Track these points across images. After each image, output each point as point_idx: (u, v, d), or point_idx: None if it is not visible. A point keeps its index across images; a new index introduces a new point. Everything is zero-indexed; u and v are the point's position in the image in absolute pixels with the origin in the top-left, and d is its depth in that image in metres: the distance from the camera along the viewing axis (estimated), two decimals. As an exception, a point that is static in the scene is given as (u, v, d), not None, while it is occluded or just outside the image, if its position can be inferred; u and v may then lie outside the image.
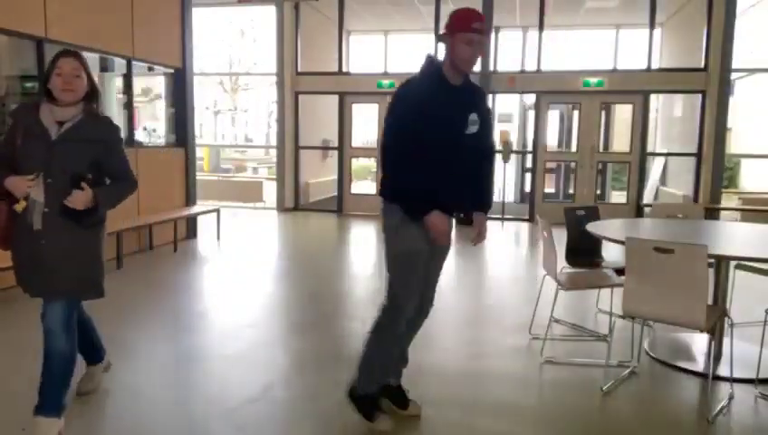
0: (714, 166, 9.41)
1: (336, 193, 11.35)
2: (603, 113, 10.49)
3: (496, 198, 12.21)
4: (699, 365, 3.64)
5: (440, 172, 2.59)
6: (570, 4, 11.06)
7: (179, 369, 3.52)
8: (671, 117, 12.34)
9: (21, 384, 3.23)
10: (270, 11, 11.10)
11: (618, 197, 12.38)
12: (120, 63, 6.87)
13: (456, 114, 2.60)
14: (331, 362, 3.62)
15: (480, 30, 2.53)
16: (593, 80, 9.91)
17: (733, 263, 3.78)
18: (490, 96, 10.56)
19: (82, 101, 2.60)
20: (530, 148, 11.07)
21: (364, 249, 7.79)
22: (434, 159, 2.57)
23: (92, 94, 2.64)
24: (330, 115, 11.39)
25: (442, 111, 2.55)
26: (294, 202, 11.35)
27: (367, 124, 11.63)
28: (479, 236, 2.86)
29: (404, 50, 14.07)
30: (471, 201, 2.91)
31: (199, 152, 15.39)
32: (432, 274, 2.85)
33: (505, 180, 10.45)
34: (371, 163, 11.30)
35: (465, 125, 2.62)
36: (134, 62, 6.88)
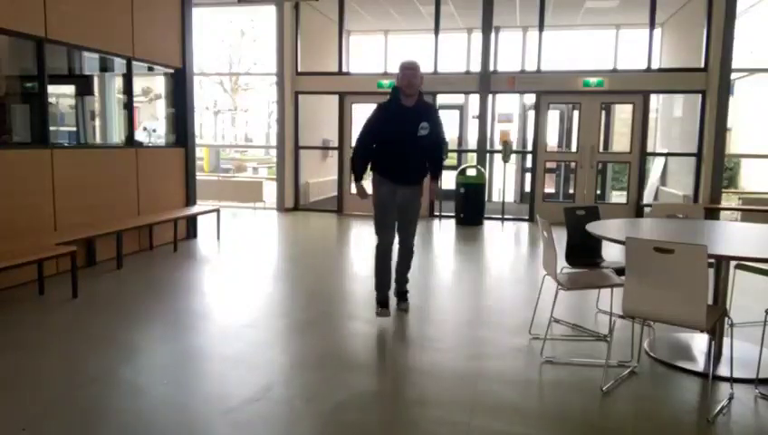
0: (714, 166, 9.42)
1: (336, 193, 11.35)
2: (603, 113, 10.49)
3: (496, 197, 12.29)
4: (699, 365, 3.64)
5: (398, 159, 4.35)
6: (570, 4, 11.05)
7: (179, 369, 3.52)
8: (671, 117, 12.33)
9: (21, 384, 3.23)
10: (270, 11, 11.10)
11: (618, 197, 12.40)
12: (119, 63, 6.87)
13: (407, 124, 4.28)
14: (331, 362, 3.62)
15: (410, 67, 4.26)
16: (593, 80, 9.91)
17: (733, 263, 3.78)
18: (490, 96, 10.60)
19: None
20: (530, 148, 11.07)
21: (364, 249, 7.78)
22: (392, 151, 4.34)
23: None
24: (330, 115, 11.39)
25: (395, 124, 4.30)
26: (294, 202, 11.36)
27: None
28: (432, 193, 4.68)
29: (404, 50, 14.07)
30: (431, 172, 4.59)
31: (199, 152, 15.41)
32: (404, 220, 4.46)
33: (505, 180, 10.46)
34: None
35: (416, 130, 4.27)
36: (134, 62, 6.87)
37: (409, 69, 4.22)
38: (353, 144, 4.45)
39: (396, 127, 4.25)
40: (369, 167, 4.43)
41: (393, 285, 4.61)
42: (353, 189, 4.84)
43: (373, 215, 4.42)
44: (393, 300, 4.64)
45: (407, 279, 4.72)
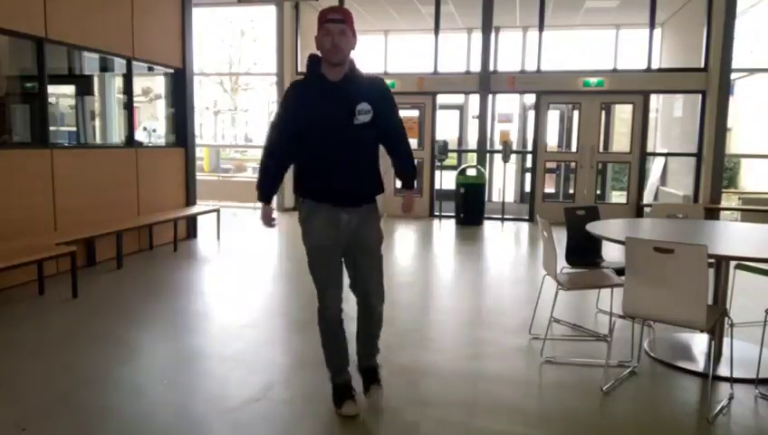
0: (714, 166, 9.42)
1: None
2: (603, 113, 10.49)
3: (496, 197, 12.27)
4: (699, 365, 3.64)
5: (326, 163, 2.74)
6: (570, 4, 11.05)
7: (179, 369, 3.52)
8: (671, 117, 12.33)
9: (21, 384, 3.23)
10: (270, 11, 11.10)
11: (618, 197, 12.39)
12: (119, 63, 6.87)
13: (334, 107, 2.70)
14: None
15: (335, 20, 2.63)
16: (593, 80, 9.91)
17: (733, 263, 3.78)
18: (490, 96, 10.58)
19: None
20: (530, 148, 11.07)
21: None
22: (317, 152, 2.75)
23: None
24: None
25: (315, 108, 2.71)
26: (294, 202, 11.34)
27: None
28: (406, 205, 3.12)
29: (404, 50, 14.07)
30: (399, 174, 3.05)
31: (199, 152, 15.39)
32: (360, 267, 2.92)
33: (505, 180, 10.46)
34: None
35: (350, 115, 2.70)
36: (134, 62, 6.88)
37: (333, 21, 2.62)
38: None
39: (318, 112, 2.69)
40: (289, 182, 2.94)
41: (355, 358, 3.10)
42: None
43: (307, 264, 2.86)
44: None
45: (374, 349, 3.10)
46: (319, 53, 2.71)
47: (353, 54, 2.77)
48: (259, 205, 2.94)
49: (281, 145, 2.81)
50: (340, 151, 2.73)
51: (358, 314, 3.03)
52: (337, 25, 2.60)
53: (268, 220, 2.96)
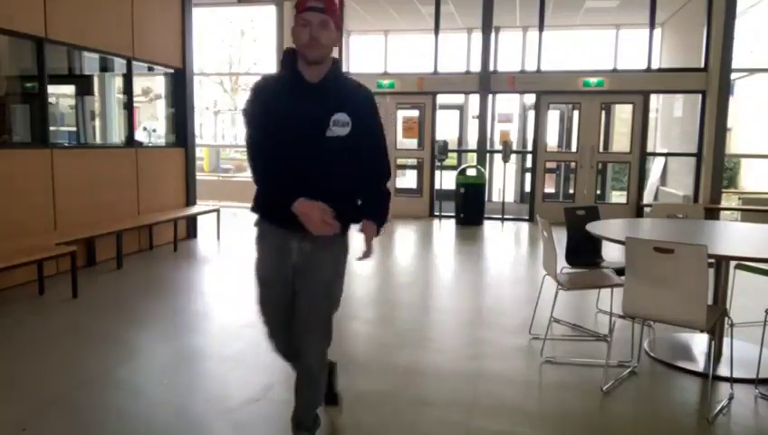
0: (714, 166, 9.42)
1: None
2: (603, 113, 10.49)
3: (496, 197, 12.27)
4: (699, 365, 3.64)
5: (285, 178, 2.20)
6: (570, 4, 11.05)
7: (179, 369, 3.52)
8: (671, 117, 12.33)
9: (21, 384, 3.23)
10: (270, 11, 11.10)
11: (618, 197, 12.39)
12: (119, 63, 6.87)
13: (308, 113, 2.20)
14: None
15: (315, 8, 2.12)
16: (593, 80, 9.91)
17: (733, 263, 3.78)
18: (490, 96, 10.58)
19: None
20: (530, 148, 11.07)
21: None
22: (277, 163, 2.20)
23: None
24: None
25: (286, 111, 2.20)
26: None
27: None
28: (368, 242, 2.32)
29: (404, 50, 14.07)
30: (364, 206, 2.35)
31: (199, 152, 15.40)
32: (300, 309, 2.31)
33: (505, 180, 10.46)
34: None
35: (324, 124, 2.19)
36: (134, 62, 6.87)
37: (313, 9, 2.14)
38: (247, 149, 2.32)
39: (286, 115, 2.21)
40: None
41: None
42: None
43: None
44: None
45: (311, 415, 2.51)
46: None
47: (336, 52, 2.40)
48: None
49: (267, 147, 2.24)
50: (303, 166, 2.20)
51: (296, 379, 2.43)
52: (317, 15, 2.11)
53: (320, 213, 2.13)
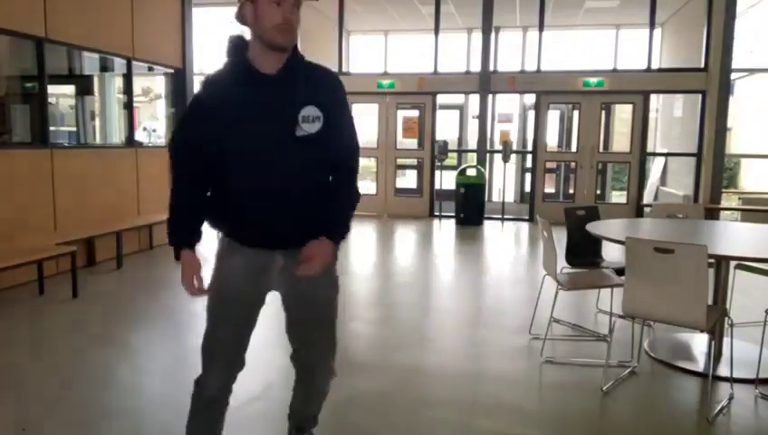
0: (714, 166, 9.41)
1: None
2: (603, 113, 10.49)
3: (496, 197, 12.27)
4: (699, 365, 3.64)
5: (253, 198, 1.88)
6: (570, 4, 11.05)
7: (179, 369, 3.52)
8: (671, 117, 12.33)
9: (21, 384, 3.23)
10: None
11: (618, 197, 12.40)
12: (119, 63, 6.87)
13: (267, 115, 1.84)
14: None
15: None
16: (593, 80, 9.91)
17: (733, 263, 3.78)
18: (490, 96, 10.58)
19: None
20: (530, 148, 11.07)
21: (363, 249, 7.78)
22: (240, 180, 1.88)
23: None
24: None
25: (243, 110, 1.84)
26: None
27: (367, 124, 11.64)
28: (307, 262, 1.88)
29: (404, 50, 14.07)
30: (315, 225, 1.92)
31: (199, 152, 15.33)
32: (302, 329, 2.14)
33: (505, 180, 10.46)
34: (371, 163, 11.30)
35: (291, 122, 1.84)
36: (134, 62, 6.88)
37: None
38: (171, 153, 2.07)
39: (241, 122, 1.85)
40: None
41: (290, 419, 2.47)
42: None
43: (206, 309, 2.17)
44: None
45: (311, 418, 2.42)
46: (244, 35, 1.88)
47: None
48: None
49: (193, 163, 1.95)
50: (272, 179, 1.86)
51: (295, 384, 2.31)
52: None
53: (192, 278, 2.01)
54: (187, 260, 1.98)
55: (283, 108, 1.85)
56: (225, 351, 2.12)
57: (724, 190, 10.17)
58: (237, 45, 1.87)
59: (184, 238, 2.06)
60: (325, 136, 1.88)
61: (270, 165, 1.86)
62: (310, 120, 1.85)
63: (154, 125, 9.01)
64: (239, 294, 2.05)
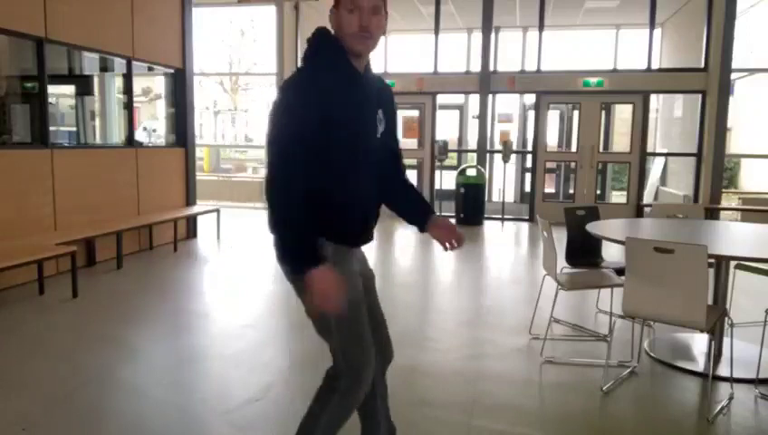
0: (714, 166, 9.42)
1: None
2: (603, 113, 10.50)
3: (496, 197, 12.27)
4: (699, 365, 3.64)
5: (362, 190, 1.93)
6: (570, 4, 11.05)
7: (179, 369, 3.52)
8: (671, 117, 12.33)
9: (21, 384, 3.23)
10: (270, 11, 11.10)
11: (618, 197, 12.39)
12: (120, 63, 6.87)
13: (367, 111, 1.93)
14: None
15: None
16: (593, 80, 9.92)
17: (733, 263, 3.78)
18: (490, 96, 10.58)
19: None
20: (530, 148, 11.07)
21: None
22: (348, 173, 1.88)
23: None
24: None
25: (354, 108, 1.86)
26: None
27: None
28: (457, 237, 2.08)
29: (404, 50, 14.07)
30: (414, 211, 2.15)
31: (199, 152, 15.40)
32: (376, 304, 2.18)
33: (505, 180, 10.46)
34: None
35: (376, 126, 1.97)
36: (134, 62, 6.88)
37: None
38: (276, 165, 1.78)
39: (353, 114, 1.86)
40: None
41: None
42: (310, 281, 1.73)
43: (337, 330, 1.94)
44: None
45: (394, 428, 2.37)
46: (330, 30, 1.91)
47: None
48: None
49: (303, 164, 1.77)
50: (373, 178, 1.97)
51: (377, 378, 2.18)
52: (371, 1, 1.80)
53: (335, 291, 1.74)
54: (329, 276, 1.74)
55: (373, 108, 1.95)
56: (372, 348, 2.01)
57: (724, 190, 10.17)
58: (336, 43, 1.87)
59: (315, 255, 1.76)
60: (386, 138, 2.02)
61: (373, 164, 1.96)
62: (381, 122, 1.98)
63: (154, 125, 9.01)
64: (359, 290, 2.00)
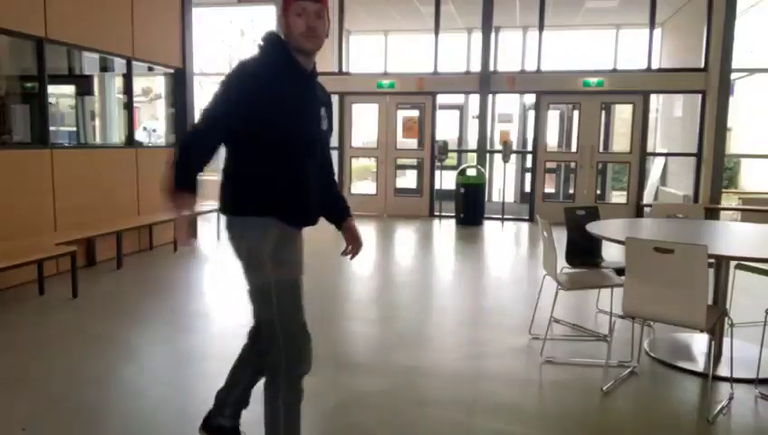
0: (714, 166, 9.42)
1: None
2: (603, 113, 10.50)
3: (496, 197, 12.27)
4: (699, 365, 3.64)
5: (308, 175, 2.15)
6: (570, 4, 11.06)
7: (179, 369, 3.52)
8: (671, 117, 12.33)
9: (21, 384, 3.23)
10: (270, 11, 11.10)
11: (618, 197, 12.39)
12: (120, 63, 6.87)
13: (312, 107, 2.16)
14: (330, 362, 3.62)
15: None
16: (593, 80, 9.92)
17: (733, 263, 3.78)
18: (490, 96, 10.58)
19: None
20: (530, 148, 11.07)
21: (363, 249, 7.79)
22: (294, 164, 2.09)
23: None
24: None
25: (297, 100, 2.09)
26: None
27: (367, 124, 11.65)
28: (357, 249, 2.48)
29: (404, 50, 14.07)
30: (334, 209, 2.44)
31: (199, 152, 15.33)
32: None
33: (505, 180, 10.46)
34: (371, 163, 11.31)
35: (320, 118, 2.20)
36: (134, 62, 6.88)
37: None
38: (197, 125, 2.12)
39: (298, 110, 2.10)
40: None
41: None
42: (175, 199, 2.23)
43: (277, 315, 2.26)
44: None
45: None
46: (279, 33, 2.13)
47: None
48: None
49: (222, 133, 2.05)
50: (313, 160, 2.18)
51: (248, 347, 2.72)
52: (313, 4, 2.04)
53: (186, 227, 2.25)
54: (191, 203, 2.18)
55: (317, 103, 2.18)
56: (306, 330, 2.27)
57: (724, 190, 10.17)
58: (281, 43, 2.10)
59: (194, 184, 2.18)
60: (325, 135, 2.25)
61: (316, 151, 2.19)
62: (324, 118, 2.21)
63: (154, 125, 9.01)
64: (300, 281, 2.27)
